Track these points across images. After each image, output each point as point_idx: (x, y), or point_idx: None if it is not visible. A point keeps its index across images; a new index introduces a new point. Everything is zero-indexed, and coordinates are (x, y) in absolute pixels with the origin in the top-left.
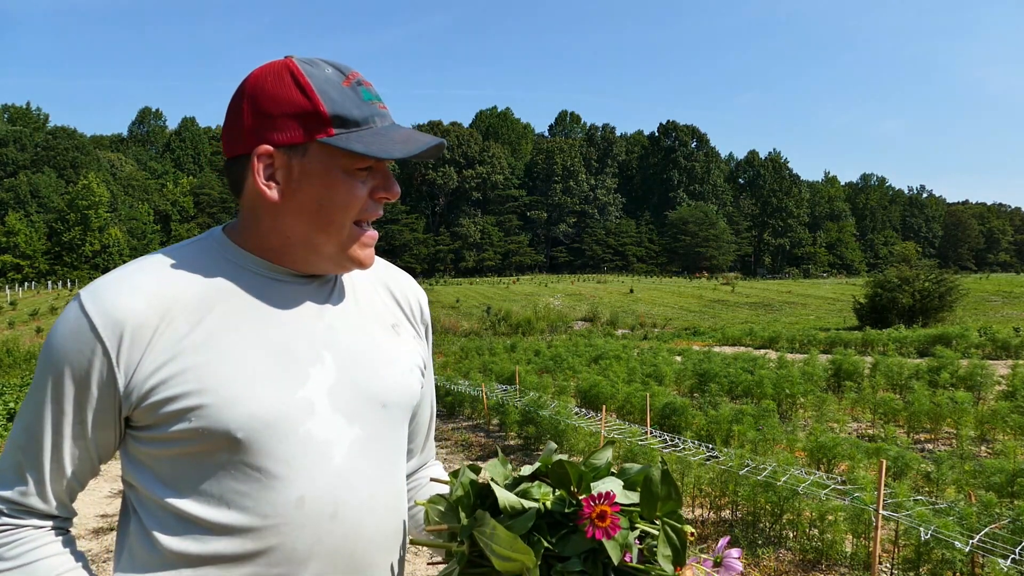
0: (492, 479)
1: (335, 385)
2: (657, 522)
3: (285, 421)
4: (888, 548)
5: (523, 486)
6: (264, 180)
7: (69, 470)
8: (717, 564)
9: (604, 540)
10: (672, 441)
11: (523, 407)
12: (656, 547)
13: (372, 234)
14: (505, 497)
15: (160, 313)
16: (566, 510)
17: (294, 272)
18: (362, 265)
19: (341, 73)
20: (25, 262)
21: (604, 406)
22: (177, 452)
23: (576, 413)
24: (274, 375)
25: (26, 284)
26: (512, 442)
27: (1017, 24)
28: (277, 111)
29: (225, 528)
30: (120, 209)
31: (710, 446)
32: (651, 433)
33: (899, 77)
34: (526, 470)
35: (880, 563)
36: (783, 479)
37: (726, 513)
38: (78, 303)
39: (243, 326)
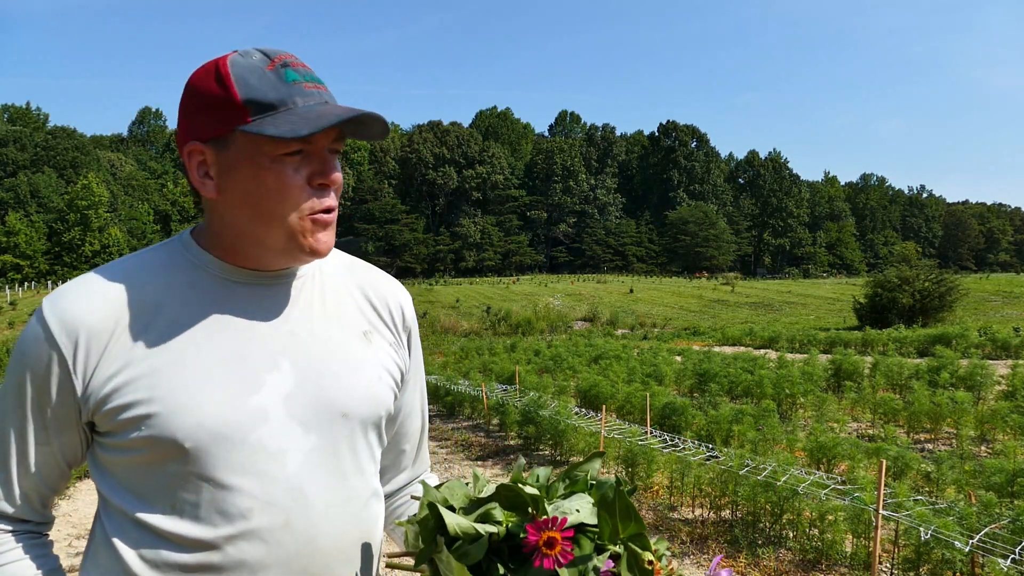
0: (441, 503)
1: (292, 392)
2: (621, 546)
3: (235, 429)
4: (888, 548)
5: (487, 507)
6: (199, 177)
7: (36, 474)
8: None
9: (558, 568)
10: (672, 441)
11: (523, 407)
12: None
13: (325, 218)
14: (455, 523)
15: (116, 318)
16: (522, 535)
17: (256, 273)
18: (317, 254)
19: (267, 58)
20: (25, 262)
21: (604, 406)
22: (134, 460)
23: (576, 413)
24: (226, 382)
25: (26, 284)
26: (512, 442)
27: (1017, 24)
28: (201, 105)
29: (178, 538)
30: (120, 209)
31: (710, 446)
32: (651, 433)
33: (899, 77)
34: (489, 489)
35: (880, 563)
36: (783, 479)
37: (726, 513)
38: (39, 310)
39: (198, 332)
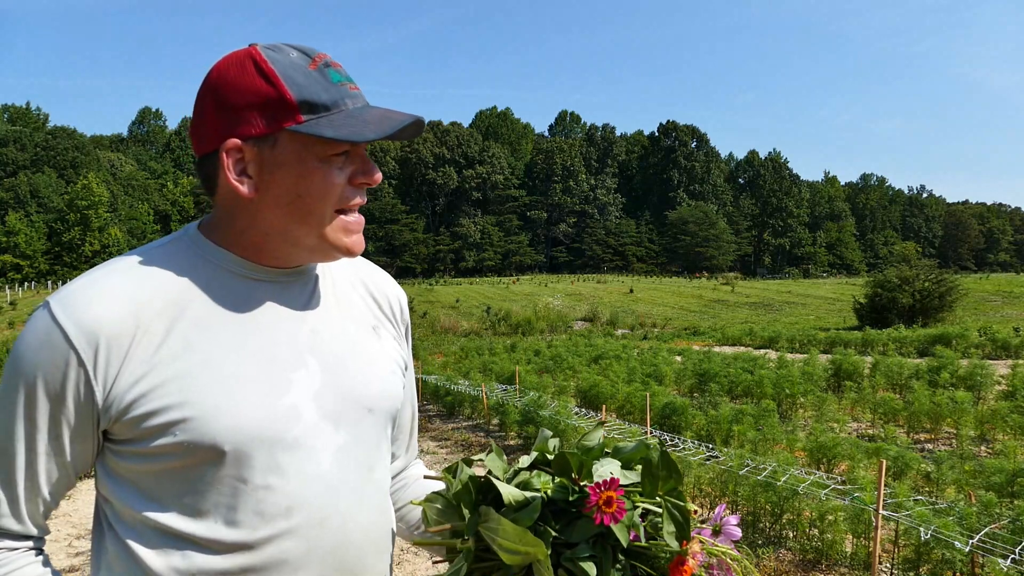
0: (491, 473)
1: (320, 390)
2: (659, 500)
3: (271, 430)
4: (888, 548)
5: (522, 476)
6: (236, 176)
7: (45, 488)
8: (716, 532)
9: (612, 524)
10: (672, 441)
11: (523, 407)
12: (660, 524)
13: (358, 219)
14: (508, 491)
15: (136, 320)
16: (569, 497)
17: (274, 271)
18: (350, 252)
19: (307, 56)
20: (25, 262)
21: (604, 406)
22: (161, 467)
23: (576, 413)
24: (258, 383)
25: (26, 284)
26: (512, 442)
27: (1017, 23)
28: (242, 102)
29: (213, 542)
30: (120, 209)
31: (710, 446)
32: (651, 433)
33: (899, 76)
34: (524, 461)
35: (880, 563)
36: (783, 479)
37: None
38: (47, 312)
39: (224, 331)
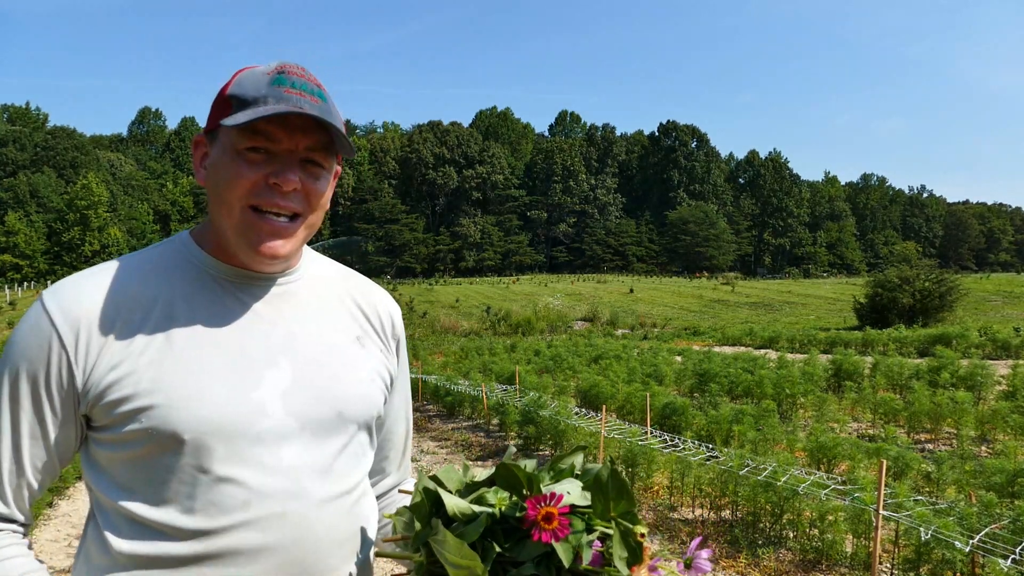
0: (440, 486)
1: (290, 389)
2: (612, 523)
3: (235, 423)
4: (888, 548)
5: (480, 491)
6: (198, 167)
7: (28, 470)
8: (688, 566)
9: (554, 543)
10: (672, 441)
11: (523, 407)
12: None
13: (272, 222)
14: (454, 504)
15: (117, 311)
16: (518, 514)
17: (251, 274)
18: (260, 255)
19: (273, 66)
20: (25, 262)
21: (604, 406)
22: (130, 454)
23: (576, 413)
24: (226, 377)
25: (26, 284)
26: (512, 442)
27: (1018, 23)
28: (212, 103)
29: (174, 530)
30: (120, 209)
31: (710, 446)
32: (651, 433)
33: (899, 77)
34: (482, 475)
35: (880, 563)
36: (783, 479)
37: (726, 513)
38: (39, 302)
39: (199, 328)
